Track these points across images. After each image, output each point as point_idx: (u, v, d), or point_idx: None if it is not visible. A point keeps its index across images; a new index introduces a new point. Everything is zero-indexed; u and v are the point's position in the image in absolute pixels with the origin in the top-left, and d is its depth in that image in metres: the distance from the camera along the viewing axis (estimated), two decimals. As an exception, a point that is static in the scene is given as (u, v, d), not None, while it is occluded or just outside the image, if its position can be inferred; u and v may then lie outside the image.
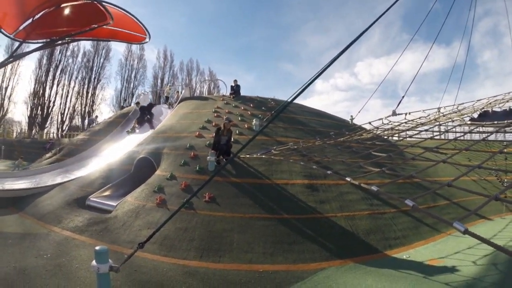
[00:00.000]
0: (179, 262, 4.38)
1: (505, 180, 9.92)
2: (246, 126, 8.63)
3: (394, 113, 6.39)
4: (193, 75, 37.54)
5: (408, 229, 6.11)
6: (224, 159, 6.63)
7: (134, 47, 34.99)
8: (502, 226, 7.43)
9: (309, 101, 58.68)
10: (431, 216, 2.32)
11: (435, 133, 5.38)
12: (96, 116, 26.49)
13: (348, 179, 2.61)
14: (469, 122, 5.36)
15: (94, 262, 2.76)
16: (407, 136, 5.46)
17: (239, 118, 9.18)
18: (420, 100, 55.91)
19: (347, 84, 61.15)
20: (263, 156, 5.19)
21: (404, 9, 60.80)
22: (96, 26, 5.16)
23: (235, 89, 12.08)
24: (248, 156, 5.92)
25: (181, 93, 14.06)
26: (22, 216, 6.67)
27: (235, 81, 12.24)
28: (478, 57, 54.19)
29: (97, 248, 2.79)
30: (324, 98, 56.79)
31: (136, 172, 7.65)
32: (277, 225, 5.24)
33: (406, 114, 6.16)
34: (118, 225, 5.45)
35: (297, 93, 3.03)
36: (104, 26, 5.23)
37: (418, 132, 5.08)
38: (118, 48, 55.64)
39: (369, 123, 6.05)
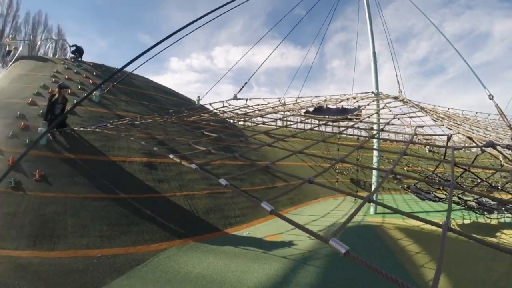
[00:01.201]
0: (10, 253, 3.68)
1: (337, 167, 11.82)
2: (85, 96, 7.50)
3: (235, 97, 6.70)
4: (39, 31, 28.53)
5: (248, 208, 6.47)
6: (57, 132, 5.72)
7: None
8: (334, 205, 8.88)
9: (162, 78, 54.47)
10: (242, 196, 2.54)
11: (271, 120, 5.71)
12: None
13: (171, 156, 2.48)
14: (303, 114, 5.68)
15: None
16: (246, 119, 5.67)
17: (79, 87, 7.95)
18: (270, 92, 62.90)
19: (202, 66, 60.20)
20: (97, 130, 4.63)
21: (272, 6, 64.85)
22: None
23: (76, 52, 10.73)
24: (82, 129, 5.27)
25: (19, 50, 10.69)
26: None
27: (75, 45, 11.25)
28: (328, 63, 64.64)
29: None
30: (177, 78, 54.77)
31: None
32: (113, 206, 4.92)
33: (247, 100, 6.54)
34: None
35: (129, 62, 2.58)
36: None
37: (254, 116, 5.31)
38: None
39: (210, 104, 6.19)
